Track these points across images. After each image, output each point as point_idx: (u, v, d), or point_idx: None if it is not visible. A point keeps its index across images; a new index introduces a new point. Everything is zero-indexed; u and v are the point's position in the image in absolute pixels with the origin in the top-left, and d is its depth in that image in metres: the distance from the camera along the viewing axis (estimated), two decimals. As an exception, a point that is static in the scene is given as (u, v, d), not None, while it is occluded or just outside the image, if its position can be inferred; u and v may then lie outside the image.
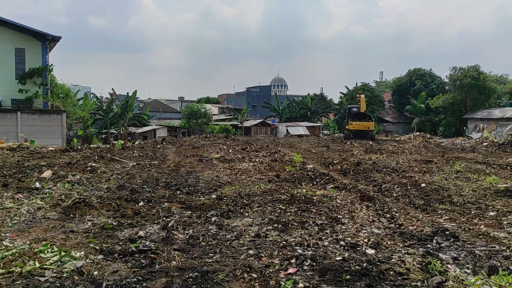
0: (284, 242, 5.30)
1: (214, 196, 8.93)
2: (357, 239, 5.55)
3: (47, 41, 26.44)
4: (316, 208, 7.53)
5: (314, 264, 4.44)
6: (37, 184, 9.81)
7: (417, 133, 44.57)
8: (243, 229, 5.99)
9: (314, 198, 8.39)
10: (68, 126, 45.96)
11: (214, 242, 5.34)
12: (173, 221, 6.09)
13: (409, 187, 10.10)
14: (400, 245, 5.31)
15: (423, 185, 10.37)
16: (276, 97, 70.49)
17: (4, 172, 11.49)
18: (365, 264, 4.48)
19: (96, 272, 4.15)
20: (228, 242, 5.35)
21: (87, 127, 49.91)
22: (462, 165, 13.92)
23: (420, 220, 6.74)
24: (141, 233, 5.61)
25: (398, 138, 38.20)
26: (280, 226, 6.16)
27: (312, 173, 12.30)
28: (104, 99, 62.65)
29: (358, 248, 5.14)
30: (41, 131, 24.76)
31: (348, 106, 40.29)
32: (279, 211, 7.28)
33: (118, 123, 51.59)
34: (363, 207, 7.63)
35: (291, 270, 4.25)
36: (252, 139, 30.75)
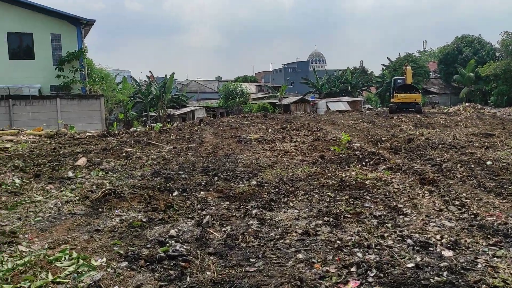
0: (339, 242, 4.44)
1: (254, 182, 8.16)
2: (427, 236, 4.61)
3: (81, 25, 26.24)
4: (370, 195, 6.59)
5: (382, 275, 3.55)
6: (70, 173, 9.38)
7: (467, 104, 41.99)
8: (289, 224, 5.18)
9: (366, 182, 7.45)
10: (109, 110, 46.57)
11: (256, 242, 4.56)
12: (208, 216, 5.36)
13: (472, 166, 8.93)
14: (483, 244, 4.34)
15: (488, 162, 9.17)
16: (314, 72, 68.52)
17: (39, 160, 11.18)
18: (445, 273, 3.56)
19: (116, 287, 3.47)
20: (272, 242, 4.56)
21: (128, 111, 50.48)
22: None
23: (497, 208, 5.68)
24: (173, 231, 4.91)
25: (446, 110, 36.00)
26: (331, 219, 5.30)
27: (360, 152, 11.27)
28: (143, 82, 63.21)
29: (431, 249, 4.22)
30: (81, 117, 24.78)
31: (393, 78, 38.20)
32: (328, 199, 6.41)
33: (157, 105, 51.80)
34: (425, 192, 6.63)
35: (352, 284, 3.40)
36: (291, 117, 29.72)
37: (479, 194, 6.50)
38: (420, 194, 6.49)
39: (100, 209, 6.21)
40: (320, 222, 5.20)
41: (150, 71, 61.74)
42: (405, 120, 21.27)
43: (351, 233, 4.72)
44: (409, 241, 4.43)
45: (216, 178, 8.86)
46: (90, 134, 17.86)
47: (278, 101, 53.95)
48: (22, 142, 14.28)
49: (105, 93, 38.44)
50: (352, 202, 6.19)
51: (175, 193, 7.29)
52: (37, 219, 5.75)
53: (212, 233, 4.90)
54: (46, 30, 25.68)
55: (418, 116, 25.46)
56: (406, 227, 4.94)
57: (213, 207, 6.20)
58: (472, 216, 5.27)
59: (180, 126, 24.24)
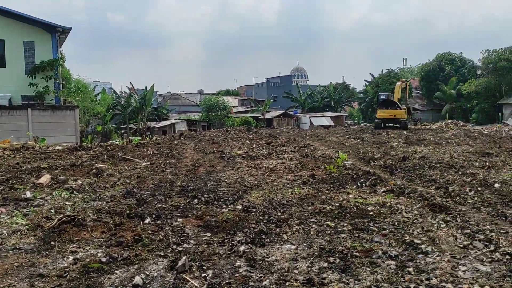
0: (355, 297, 3.44)
1: (239, 206, 7.12)
2: (462, 286, 3.64)
3: (57, 32, 24.95)
4: (377, 225, 5.62)
5: None
6: (28, 194, 8.17)
7: (449, 121, 41.89)
8: (286, 268, 4.15)
9: (369, 208, 6.48)
10: (86, 122, 44.99)
11: (246, 295, 3.51)
12: (185, 257, 4.28)
13: (479, 189, 8.09)
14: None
15: (496, 185, 8.34)
16: (297, 87, 68.17)
17: (-4, 177, 9.92)
18: None
19: None
20: (267, 296, 3.52)
21: (106, 123, 48.91)
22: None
23: (531, 244, 4.77)
24: (138, 278, 3.83)
25: (429, 126, 35.69)
26: (337, 260, 4.29)
27: (354, 171, 10.36)
28: (123, 94, 61.67)
29: (474, 307, 3.24)
30: (54, 129, 23.39)
31: (379, 93, 37.83)
32: (328, 231, 5.41)
33: (137, 118, 50.35)
34: (440, 222, 5.69)
35: None
36: (275, 131, 28.84)
37: (502, 225, 5.60)
38: (435, 225, 5.55)
39: (52, 242, 5.08)
40: (325, 264, 4.18)
41: (130, 83, 60.25)
42: (394, 136, 20.58)
43: (368, 283, 3.72)
44: (441, 294, 3.46)
45: (196, 200, 7.80)
46: (60, 147, 16.54)
47: (261, 115, 53.16)
48: (-18, 156, 12.93)
49: (82, 105, 36.98)
50: (357, 235, 5.21)
51: (147, 221, 6.19)
52: (-30, 256, 4.59)
53: (189, 281, 3.83)
54: (18, 37, 24.31)
55: (405, 132, 24.89)
56: (432, 272, 3.97)
57: (192, 241, 5.13)
58: (507, 257, 4.33)
59: (159, 139, 23.02)
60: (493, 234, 5.08)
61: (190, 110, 65.82)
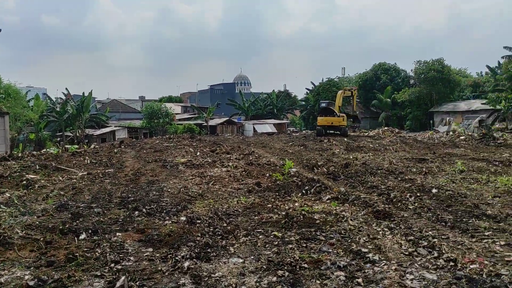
0: (306, 313, 3.31)
1: (183, 218, 6.83)
2: (411, 295, 3.63)
3: (-17, 34, 23.25)
4: (324, 233, 5.57)
5: None
6: None
7: (385, 128, 43.72)
8: (233, 284, 3.95)
9: (315, 217, 6.44)
10: (18, 130, 42.22)
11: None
12: (123, 277, 3.96)
13: (418, 194, 8.35)
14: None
15: (434, 190, 8.65)
16: (241, 94, 68.34)
17: None
18: None
19: None
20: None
21: (40, 130, 46.20)
22: (460, 163, 12.37)
23: (470, 249, 4.91)
24: (71, 304, 3.46)
25: (367, 133, 37.02)
26: (286, 274, 4.15)
27: (298, 179, 10.38)
28: (58, 100, 58.62)
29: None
30: (-21, 137, 21.71)
31: (320, 101, 38.75)
32: (276, 242, 5.28)
33: (74, 125, 47.97)
34: (385, 229, 5.75)
35: None
36: (219, 138, 28.58)
37: (442, 230, 5.75)
38: (380, 232, 5.60)
39: (-28, 265, 4.54)
40: (274, 279, 4.03)
41: (66, 88, 57.36)
42: (336, 143, 21.05)
43: (318, 296, 3.61)
44: (392, 305, 3.42)
45: (136, 212, 7.40)
46: (-14, 157, 15.28)
47: (204, 122, 52.65)
48: None
49: (13, 111, 34.64)
50: (305, 245, 5.12)
51: (83, 236, 5.75)
52: None
53: (128, 303, 3.52)
54: None
55: (346, 139, 25.56)
56: (381, 281, 3.93)
57: (132, 258, 4.79)
58: (451, 263, 4.41)
59: (98, 148, 21.99)
60: (435, 240, 5.19)
61: (131, 117, 63.82)
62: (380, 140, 24.41)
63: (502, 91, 37.07)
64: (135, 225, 6.51)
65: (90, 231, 5.97)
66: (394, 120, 56.42)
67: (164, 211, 7.48)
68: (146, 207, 7.74)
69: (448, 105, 51.46)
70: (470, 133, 29.53)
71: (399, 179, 10.49)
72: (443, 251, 4.79)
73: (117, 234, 5.89)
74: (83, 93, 48.47)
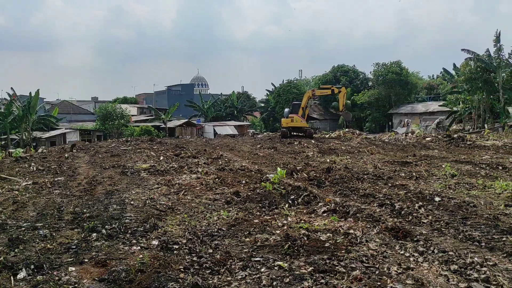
0: None
1: (155, 242, 5.46)
2: None
3: None
4: (341, 262, 4.39)
5: None
6: None
7: (346, 130, 43.56)
8: None
9: (321, 237, 5.26)
10: (-45, 133, 38.58)
11: None
12: None
13: (421, 203, 7.39)
14: None
15: (437, 199, 7.73)
16: (200, 96, 66.67)
17: None
18: None
19: None
20: None
21: (-20, 133, 42.56)
22: (448, 166, 11.65)
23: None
24: None
25: (328, 135, 36.50)
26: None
27: (280, 186, 9.18)
28: (3, 101, 54.54)
29: None
30: None
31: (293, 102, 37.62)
32: (283, 276, 4.05)
33: (20, 127, 44.53)
34: (414, 254, 4.65)
35: None
36: (181, 141, 26.96)
37: (480, 252, 4.72)
38: (410, 258, 4.49)
39: None
40: None
41: (11, 88, 53.23)
42: (307, 146, 20.08)
43: None
44: None
45: (94, 234, 5.94)
46: None
47: (162, 124, 50.59)
48: None
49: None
50: (323, 281, 3.91)
51: (22, 275, 4.27)
52: None
53: None
54: None
55: (312, 141, 24.72)
56: None
57: (92, 311, 3.40)
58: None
59: (46, 152, 19.83)
60: (484, 268, 4.14)
61: (84, 119, 60.52)
62: (348, 142, 23.73)
63: (460, 93, 37.66)
64: (94, 253, 5.08)
65: (32, 266, 4.49)
66: (354, 122, 56.66)
67: (129, 232, 6.08)
68: (106, 226, 6.30)
69: (406, 107, 52.26)
70: (434, 135, 29.58)
71: (390, 185, 9.55)
72: (492, 279, 3.74)
73: (70, 269, 4.46)
74: (30, 93, 45.12)
